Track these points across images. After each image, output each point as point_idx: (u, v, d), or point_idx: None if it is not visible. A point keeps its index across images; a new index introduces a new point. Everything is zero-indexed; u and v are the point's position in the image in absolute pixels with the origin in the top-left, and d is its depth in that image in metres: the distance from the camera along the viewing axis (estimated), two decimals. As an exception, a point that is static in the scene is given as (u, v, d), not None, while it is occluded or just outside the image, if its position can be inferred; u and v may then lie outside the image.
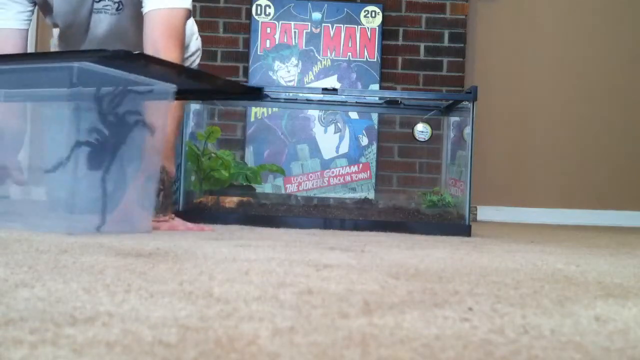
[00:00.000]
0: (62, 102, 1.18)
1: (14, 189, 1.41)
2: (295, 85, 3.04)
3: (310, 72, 3.08)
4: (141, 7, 1.47)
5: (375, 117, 3.09)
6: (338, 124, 3.08)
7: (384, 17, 3.10)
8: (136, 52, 1.10)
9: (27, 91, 1.37)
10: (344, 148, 3.08)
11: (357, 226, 1.65)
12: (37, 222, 1.24)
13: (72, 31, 1.64)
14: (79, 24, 1.61)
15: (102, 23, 1.60)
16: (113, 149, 1.16)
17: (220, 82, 1.39)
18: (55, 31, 1.71)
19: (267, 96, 1.87)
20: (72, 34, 1.64)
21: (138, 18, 1.52)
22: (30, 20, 1.55)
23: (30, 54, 1.75)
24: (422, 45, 3.16)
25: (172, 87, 1.27)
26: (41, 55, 1.33)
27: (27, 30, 1.55)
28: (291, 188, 3.04)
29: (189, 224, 1.37)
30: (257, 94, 1.45)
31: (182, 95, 1.35)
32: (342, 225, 1.65)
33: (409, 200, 1.98)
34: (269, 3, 3.09)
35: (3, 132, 1.44)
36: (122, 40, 1.61)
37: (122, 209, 1.21)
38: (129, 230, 1.19)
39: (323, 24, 3.09)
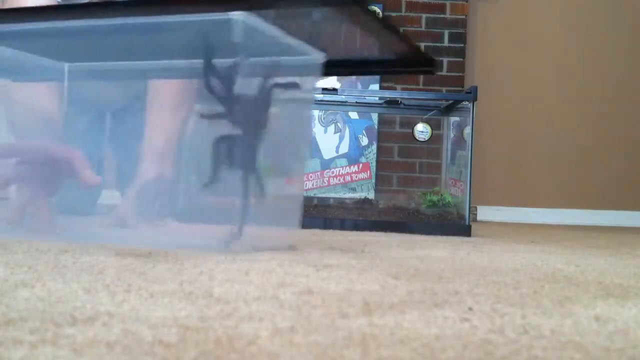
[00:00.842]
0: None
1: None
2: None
3: (310, 72, 3.08)
4: None
5: (375, 117, 3.09)
6: (338, 124, 3.08)
7: (384, 17, 3.09)
8: None
9: (126, 64, 1.01)
10: (344, 148, 3.08)
11: (357, 226, 1.65)
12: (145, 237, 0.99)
13: None
14: None
15: None
16: (256, 141, 0.86)
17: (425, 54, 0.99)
18: None
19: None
20: None
21: None
22: None
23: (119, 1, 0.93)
24: (422, 46, 3.16)
25: (320, 57, 0.90)
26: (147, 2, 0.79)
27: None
28: (291, 188, 3.03)
29: None
30: (433, 67, 0.98)
31: (330, 69, 0.95)
32: (342, 225, 1.65)
33: (409, 200, 1.98)
34: (269, 3, 3.09)
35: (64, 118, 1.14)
36: None
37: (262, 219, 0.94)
38: (265, 247, 0.90)
39: (323, 24, 3.09)
